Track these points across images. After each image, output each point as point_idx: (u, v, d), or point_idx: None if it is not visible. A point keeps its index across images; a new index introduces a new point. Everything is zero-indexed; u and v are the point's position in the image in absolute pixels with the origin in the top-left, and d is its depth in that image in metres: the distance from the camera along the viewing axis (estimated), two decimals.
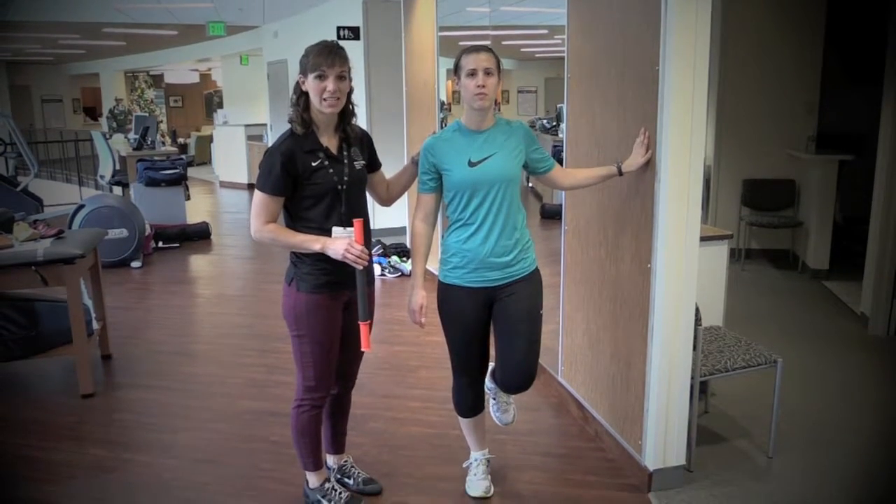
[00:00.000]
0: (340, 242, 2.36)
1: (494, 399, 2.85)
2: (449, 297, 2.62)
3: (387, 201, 2.79)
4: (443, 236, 2.67)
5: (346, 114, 2.48)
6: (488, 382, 2.82)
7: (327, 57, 2.34)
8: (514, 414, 2.90)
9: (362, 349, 2.51)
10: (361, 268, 2.39)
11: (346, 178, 2.46)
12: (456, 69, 2.52)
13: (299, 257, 2.48)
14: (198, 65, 18.43)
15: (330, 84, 2.35)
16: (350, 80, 2.42)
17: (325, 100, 2.36)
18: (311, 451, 2.68)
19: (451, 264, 2.59)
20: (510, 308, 2.58)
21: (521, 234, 2.59)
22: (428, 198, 2.62)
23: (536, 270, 2.67)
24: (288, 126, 2.47)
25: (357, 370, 2.80)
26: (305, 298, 2.47)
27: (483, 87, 2.43)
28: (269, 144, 2.44)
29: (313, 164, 2.40)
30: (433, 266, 2.78)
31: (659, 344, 2.74)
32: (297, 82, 2.42)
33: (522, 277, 2.60)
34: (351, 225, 2.40)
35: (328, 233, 2.42)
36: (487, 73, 2.44)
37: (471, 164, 2.50)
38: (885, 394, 3.78)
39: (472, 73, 2.44)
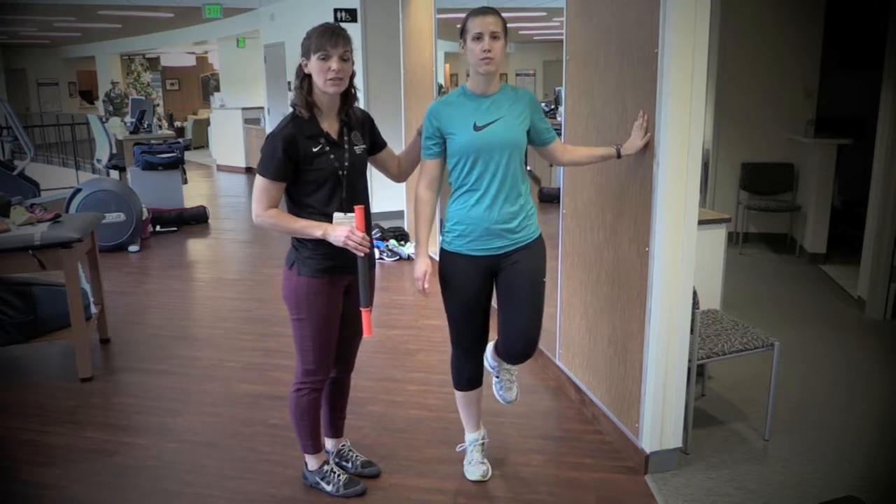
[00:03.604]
0: (342, 229, 2.36)
1: (497, 377, 2.84)
2: (451, 265, 2.60)
3: (399, 177, 2.78)
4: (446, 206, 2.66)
5: (349, 97, 2.48)
6: (490, 360, 2.81)
7: (330, 38, 2.33)
8: (516, 392, 2.89)
9: (364, 335, 2.52)
10: (363, 255, 2.39)
11: (346, 164, 2.46)
12: (462, 32, 2.48)
13: (300, 241, 2.48)
14: (194, 48, 18.33)
15: (333, 63, 2.34)
16: (352, 62, 2.41)
17: (328, 80, 2.36)
18: (310, 434, 2.70)
19: (456, 232, 2.57)
20: (514, 275, 2.56)
21: (525, 200, 2.56)
22: (432, 163, 2.59)
23: (540, 237, 2.65)
24: (289, 111, 2.46)
25: (356, 354, 2.81)
26: (306, 282, 2.47)
27: (489, 51, 2.40)
28: (266, 128, 2.42)
29: (314, 150, 2.39)
30: (433, 249, 2.78)
31: (656, 327, 2.74)
32: (300, 66, 2.41)
33: (526, 244, 2.58)
34: (352, 210, 2.40)
35: (329, 218, 2.42)
36: (494, 36, 2.41)
37: (476, 128, 2.47)
38: (881, 377, 3.80)
39: (479, 37, 2.40)
